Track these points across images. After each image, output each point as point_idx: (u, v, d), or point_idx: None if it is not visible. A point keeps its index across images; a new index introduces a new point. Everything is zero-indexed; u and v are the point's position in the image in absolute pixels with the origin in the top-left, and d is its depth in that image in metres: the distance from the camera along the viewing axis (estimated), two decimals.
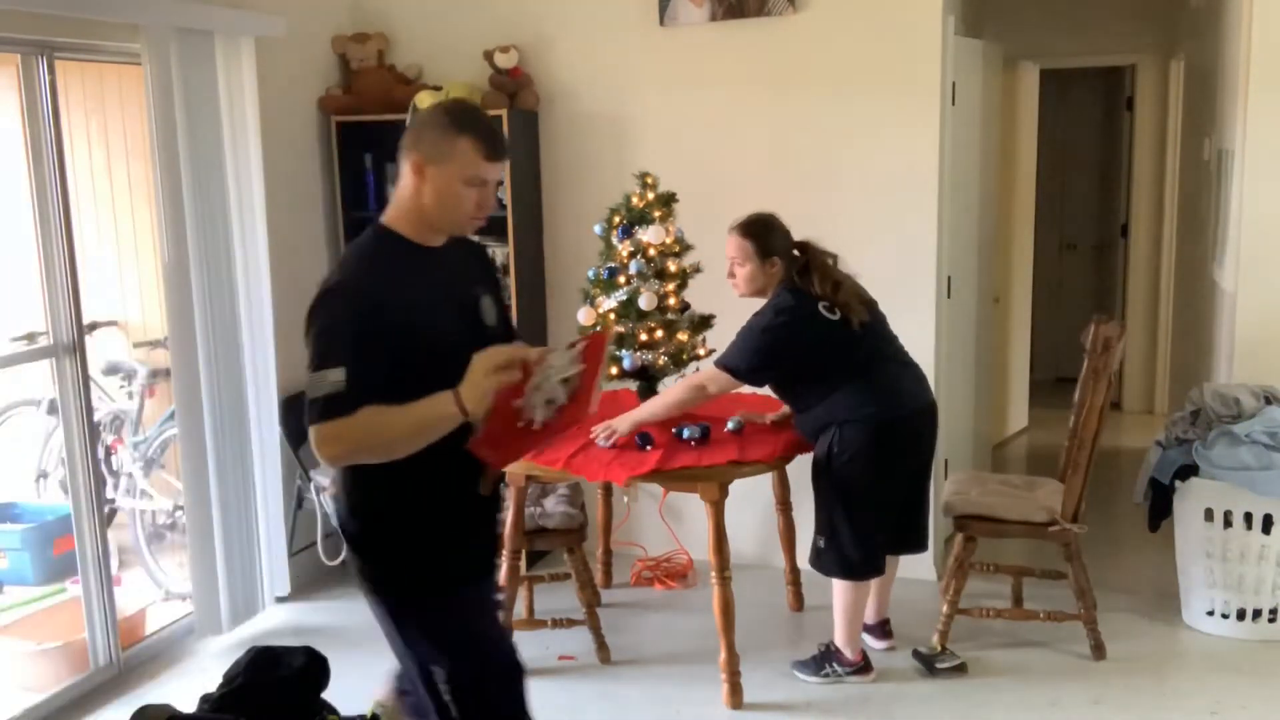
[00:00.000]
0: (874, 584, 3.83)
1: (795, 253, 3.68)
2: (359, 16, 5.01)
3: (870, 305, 3.69)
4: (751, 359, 3.59)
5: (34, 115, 3.65)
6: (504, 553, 3.85)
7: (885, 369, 3.67)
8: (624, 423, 3.68)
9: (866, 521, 3.63)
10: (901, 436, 3.64)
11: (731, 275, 3.71)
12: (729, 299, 4.43)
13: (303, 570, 4.68)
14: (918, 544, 3.93)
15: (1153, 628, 4.18)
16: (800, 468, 3.81)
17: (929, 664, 3.86)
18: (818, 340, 3.57)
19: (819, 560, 3.73)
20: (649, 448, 3.62)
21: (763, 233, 3.65)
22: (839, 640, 3.77)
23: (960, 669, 3.84)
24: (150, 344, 5.02)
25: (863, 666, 3.78)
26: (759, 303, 3.66)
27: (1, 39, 3.48)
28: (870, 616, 3.96)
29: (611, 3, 4.72)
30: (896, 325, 4.51)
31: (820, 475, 3.66)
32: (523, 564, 3.96)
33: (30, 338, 4.46)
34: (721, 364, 3.63)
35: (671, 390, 3.77)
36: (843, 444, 3.58)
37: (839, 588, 3.72)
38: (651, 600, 4.62)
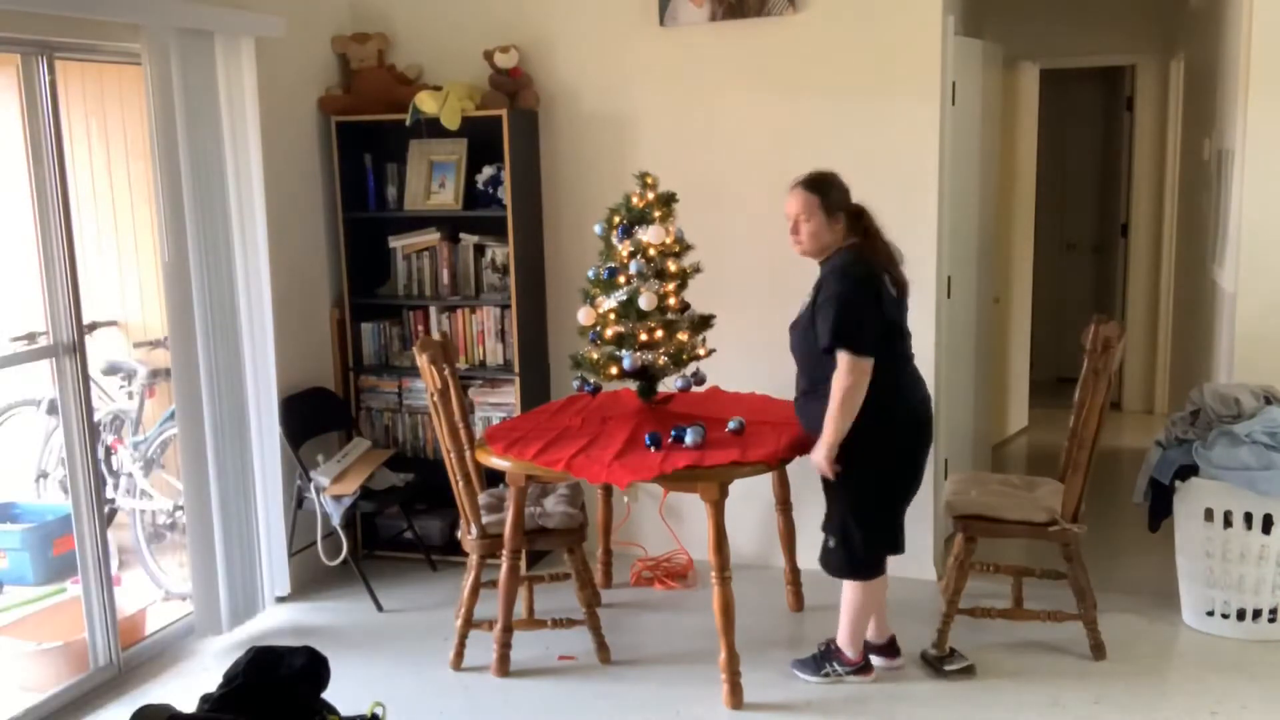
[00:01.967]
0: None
1: (855, 215, 3.58)
2: (359, 16, 5.01)
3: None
4: (866, 328, 3.40)
5: (34, 115, 3.65)
6: (505, 552, 3.85)
7: (910, 364, 3.63)
8: (826, 452, 3.48)
9: (882, 522, 3.59)
10: (920, 437, 3.61)
11: (795, 232, 3.56)
12: (729, 299, 4.44)
13: (303, 570, 4.68)
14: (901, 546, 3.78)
15: (1153, 628, 4.18)
16: (800, 467, 3.79)
17: (937, 666, 3.86)
18: (881, 311, 3.45)
19: (828, 560, 3.66)
20: (655, 449, 3.62)
21: (828, 187, 3.55)
22: (841, 640, 3.76)
23: (968, 671, 3.83)
24: (150, 344, 5.02)
25: (863, 666, 3.78)
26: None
27: (1, 39, 3.48)
28: (874, 635, 3.87)
29: (611, 3, 4.72)
30: None
31: (840, 471, 3.51)
32: (523, 564, 3.96)
33: (30, 338, 4.47)
34: (846, 346, 3.39)
35: (834, 401, 3.42)
36: (869, 441, 3.46)
37: (851, 589, 3.68)
38: (651, 600, 4.61)
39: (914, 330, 4.47)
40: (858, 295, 3.42)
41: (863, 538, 3.58)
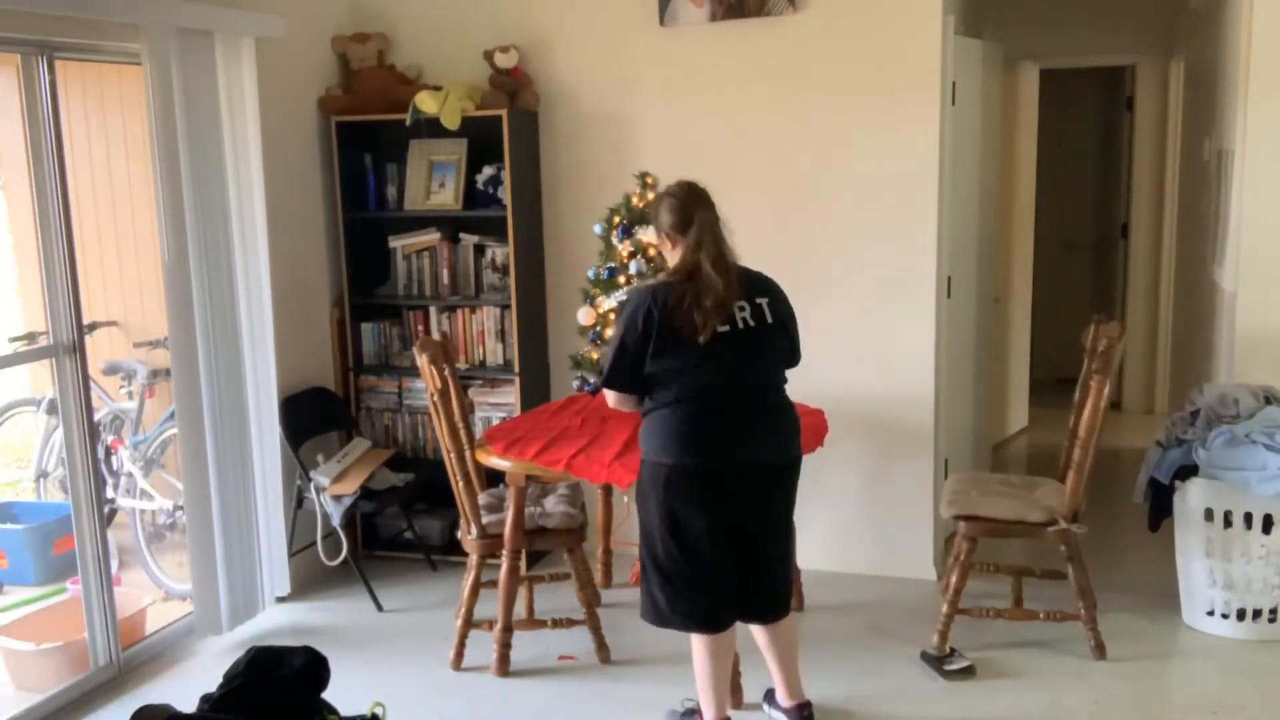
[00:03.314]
0: (766, 654, 3.44)
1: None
2: (359, 16, 5.01)
3: (746, 327, 3.17)
4: (613, 364, 3.21)
5: (34, 115, 3.65)
6: (505, 552, 3.85)
7: (705, 409, 3.14)
8: None
9: (666, 570, 3.22)
10: (694, 490, 3.15)
11: None
12: None
13: (303, 570, 4.68)
14: (761, 614, 3.37)
15: (1153, 628, 4.18)
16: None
17: (937, 666, 3.86)
18: (649, 339, 3.13)
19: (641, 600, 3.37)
20: None
21: (654, 208, 3.34)
22: (700, 699, 3.40)
23: (968, 671, 3.83)
24: (150, 344, 5.02)
25: None
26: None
27: (1, 39, 3.48)
28: (782, 698, 3.49)
29: (611, 3, 4.72)
30: (896, 325, 4.53)
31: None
32: (523, 564, 3.96)
33: (30, 338, 4.47)
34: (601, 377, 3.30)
35: None
36: (640, 481, 3.24)
37: (692, 640, 3.32)
38: None
39: (914, 330, 4.50)
40: (617, 330, 3.24)
41: (654, 582, 3.27)
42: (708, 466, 3.15)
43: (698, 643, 3.30)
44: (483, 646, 3.98)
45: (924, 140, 4.42)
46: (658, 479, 3.18)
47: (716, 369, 3.14)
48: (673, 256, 3.29)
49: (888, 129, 4.45)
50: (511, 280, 4.74)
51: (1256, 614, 4.02)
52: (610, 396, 3.30)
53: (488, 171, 4.82)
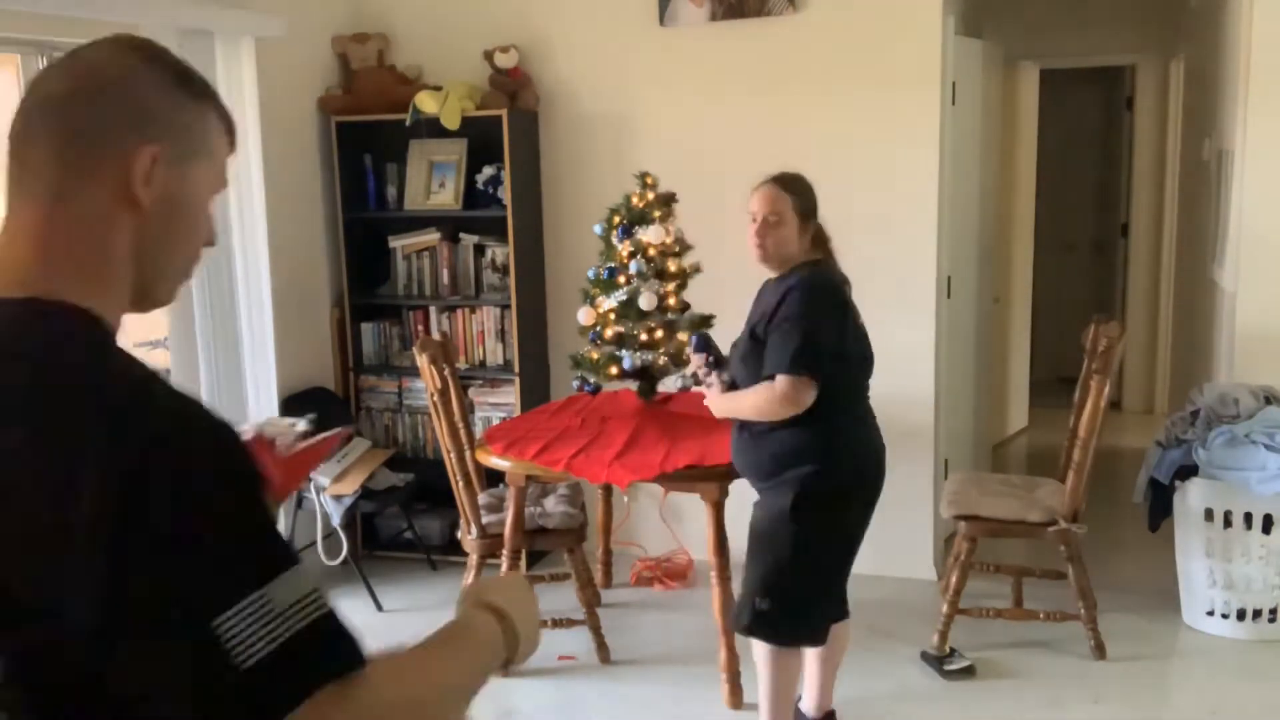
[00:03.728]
0: (816, 663, 3.39)
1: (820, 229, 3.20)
2: (359, 16, 5.01)
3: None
4: (823, 356, 2.95)
5: None
6: (505, 552, 3.85)
7: (866, 413, 3.17)
8: (715, 404, 3.28)
9: (809, 590, 3.13)
10: (863, 489, 3.12)
11: (761, 235, 3.07)
12: (729, 299, 4.43)
13: None
14: (844, 611, 3.38)
15: (1153, 628, 4.18)
16: None
17: (937, 666, 3.86)
18: (845, 340, 3.05)
19: (758, 625, 3.12)
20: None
21: (805, 189, 3.12)
22: (769, 709, 3.26)
23: (968, 671, 3.83)
24: (150, 344, 5.02)
25: None
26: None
27: (1, 39, 3.48)
28: (810, 708, 3.46)
29: (611, 3, 4.72)
30: (896, 325, 4.53)
31: (779, 522, 3.03)
32: (523, 564, 3.96)
33: None
34: (792, 371, 2.93)
35: (749, 402, 3.08)
36: (818, 487, 2.99)
37: (767, 660, 3.17)
38: (651, 600, 4.61)
39: (914, 330, 4.51)
40: (826, 318, 3.00)
41: (802, 599, 3.13)
42: (878, 477, 3.15)
43: (790, 656, 3.19)
44: None
45: (924, 140, 4.42)
46: (841, 497, 3.04)
47: (868, 363, 3.18)
48: (806, 244, 3.14)
49: (888, 129, 4.45)
50: (511, 280, 4.74)
51: (1256, 614, 4.02)
52: (788, 392, 2.94)
53: (488, 171, 4.82)
